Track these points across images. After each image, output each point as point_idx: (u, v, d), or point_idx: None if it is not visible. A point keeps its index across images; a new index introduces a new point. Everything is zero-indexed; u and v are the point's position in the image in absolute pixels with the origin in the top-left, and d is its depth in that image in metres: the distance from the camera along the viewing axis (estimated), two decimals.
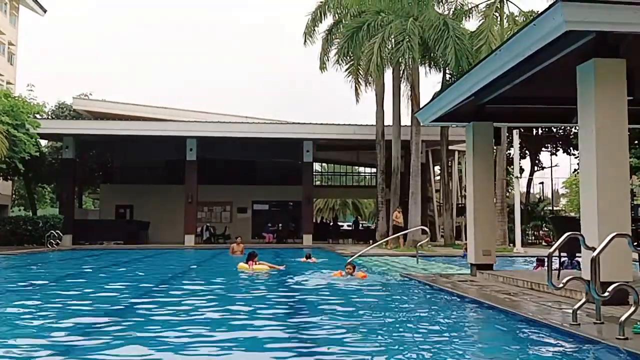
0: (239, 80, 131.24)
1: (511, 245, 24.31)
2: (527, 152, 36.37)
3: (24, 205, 38.91)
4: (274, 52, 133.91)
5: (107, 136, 29.28)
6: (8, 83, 39.75)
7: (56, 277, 13.49)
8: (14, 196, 39.76)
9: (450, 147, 31.54)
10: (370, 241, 27.38)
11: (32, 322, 6.75)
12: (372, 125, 28.01)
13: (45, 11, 44.46)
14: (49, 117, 34.49)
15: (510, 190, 30.75)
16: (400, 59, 23.22)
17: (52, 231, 25.88)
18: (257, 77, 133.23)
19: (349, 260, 13.18)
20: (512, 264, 17.31)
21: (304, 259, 17.43)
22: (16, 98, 26.50)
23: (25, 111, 24.99)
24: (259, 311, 7.51)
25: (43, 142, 30.55)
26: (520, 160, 32.09)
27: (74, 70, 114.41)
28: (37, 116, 27.13)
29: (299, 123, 30.75)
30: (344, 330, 6.12)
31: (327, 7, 27.30)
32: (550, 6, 6.55)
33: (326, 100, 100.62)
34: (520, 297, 7.89)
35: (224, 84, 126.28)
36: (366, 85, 28.37)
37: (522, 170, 35.10)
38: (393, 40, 23.44)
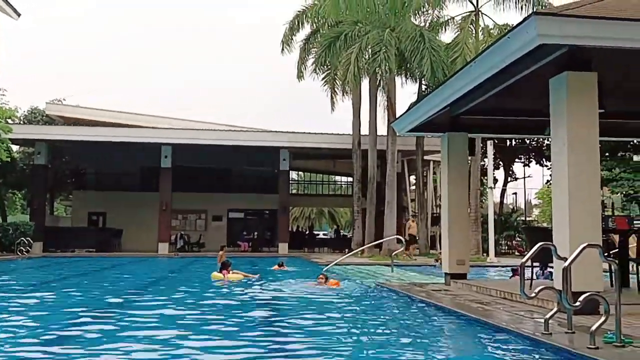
0: (237, 80, 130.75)
1: (485, 254, 24.53)
2: (500, 162, 36.86)
3: None
4: (270, 52, 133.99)
5: (80, 142, 28.81)
6: None
7: (24, 286, 13.21)
8: None
9: (425, 157, 31.78)
10: (346, 250, 27.40)
11: None
12: (348, 134, 28.11)
13: (19, 15, 43.71)
14: (21, 122, 33.89)
15: (484, 201, 31.06)
16: (377, 69, 23.39)
17: (22, 238, 25.31)
18: (253, 77, 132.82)
19: (323, 270, 13.19)
20: (485, 274, 17.46)
21: (276, 267, 17.41)
22: None
23: None
24: (230, 321, 7.44)
25: (14, 148, 29.94)
26: (494, 170, 32.53)
27: (49, 75, 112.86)
28: (9, 121, 26.60)
29: (275, 131, 30.69)
30: (316, 339, 6.09)
31: (304, 16, 27.43)
32: (524, 20, 6.66)
33: (305, 108, 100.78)
34: (493, 307, 7.95)
35: (222, 84, 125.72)
36: (343, 94, 28.49)
37: (495, 180, 35.55)
38: (370, 51, 23.61)
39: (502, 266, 19.98)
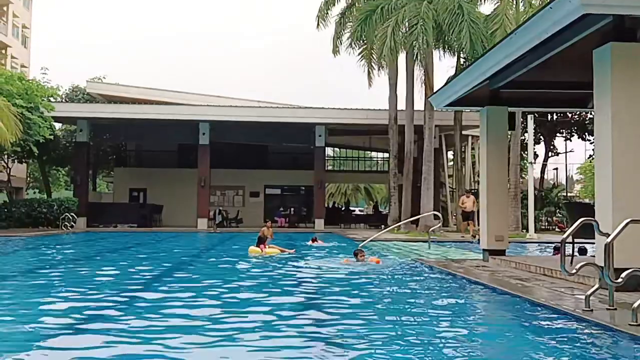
0: (254, 65, 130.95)
1: (524, 231, 24.19)
2: (541, 137, 36.02)
3: (39, 188, 39.28)
4: (289, 36, 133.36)
5: (121, 119, 29.40)
6: (22, 66, 39.95)
7: (70, 259, 13.66)
8: (28, 179, 40.15)
9: (463, 132, 31.31)
10: (382, 226, 27.39)
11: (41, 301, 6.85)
12: (384, 109, 27.88)
13: None
14: (63, 100, 34.68)
15: (524, 176, 30.50)
16: (414, 42, 23.00)
17: (67, 214, 26.14)
18: (272, 61, 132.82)
19: (359, 246, 13.19)
20: (525, 250, 17.24)
21: (310, 242, 17.55)
22: (30, 81, 26.65)
23: (40, 94, 25.14)
24: (270, 297, 7.55)
25: (57, 125, 30.73)
26: (534, 145, 31.82)
27: (89, 53, 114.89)
28: (51, 99, 27.28)
29: (311, 107, 30.67)
30: (356, 318, 6.13)
31: None
32: None
33: (339, 85, 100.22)
34: (533, 283, 7.86)
35: (239, 67, 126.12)
36: (379, 70, 28.19)
37: (536, 155, 34.79)
38: (407, 24, 23.22)
39: (542, 242, 19.71)
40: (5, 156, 27.99)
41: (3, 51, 36.19)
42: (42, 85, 27.48)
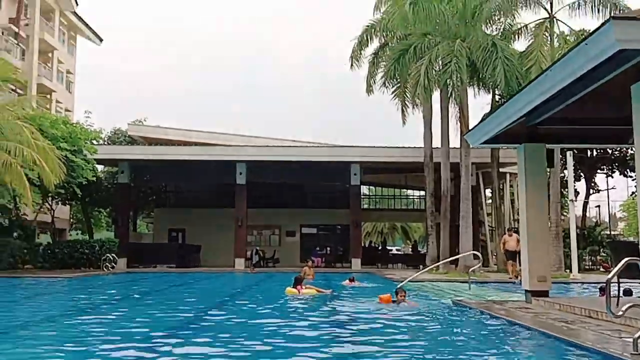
0: (289, 104, 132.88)
1: (567, 271, 23.48)
2: (581, 174, 35.26)
3: (81, 228, 40.18)
4: (321, 77, 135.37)
5: (160, 161, 30.06)
6: (66, 110, 41.40)
7: (109, 300, 13.83)
8: (71, 220, 41.14)
9: (501, 169, 30.91)
10: (420, 266, 26.98)
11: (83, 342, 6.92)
12: (420, 147, 27.80)
13: (101, 40, 46.36)
14: (105, 143, 35.72)
15: (565, 214, 29.79)
16: (447, 80, 23.05)
17: (108, 254, 26.55)
18: (307, 101, 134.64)
19: (397, 287, 12.98)
20: (569, 291, 16.70)
21: (347, 282, 17.38)
22: (74, 125, 27.58)
23: (83, 137, 25.96)
24: (304, 338, 7.47)
25: (99, 167, 31.58)
26: (574, 182, 31.13)
27: (130, 95, 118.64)
28: (94, 142, 28.12)
29: (346, 146, 30.83)
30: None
31: (373, 30, 27.47)
32: (602, 25, 6.39)
33: (374, 123, 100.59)
34: (578, 325, 7.59)
35: (275, 108, 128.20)
36: (413, 107, 28.23)
37: (577, 193, 34.00)
38: (440, 62, 23.34)
39: (586, 283, 19.08)
40: (50, 198, 28.81)
41: (48, 96, 37.66)
42: (85, 129, 28.42)
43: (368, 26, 27.55)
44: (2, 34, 34.12)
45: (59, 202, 31.69)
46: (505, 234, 22.67)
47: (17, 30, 35.01)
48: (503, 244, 21.23)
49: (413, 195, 46.63)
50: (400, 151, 29.51)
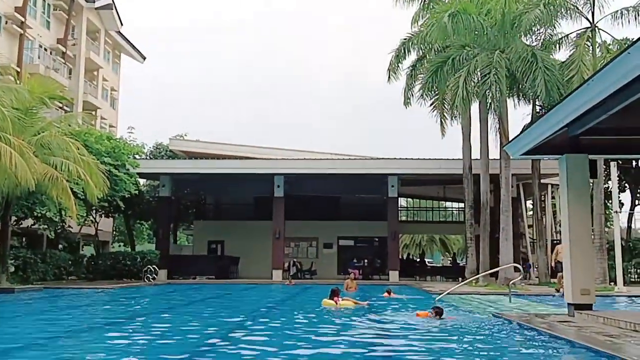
0: (327, 116, 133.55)
1: (612, 284, 22.83)
2: (626, 185, 34.32)
3: (124, 241, 41.08)
4: (356, 90, 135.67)
5: (200, 175, 30.60)
6: (110, 126, 42.54)
7: (154, 311, 14.09)
8: (114, 232, 42.11)
9: (542, 181, 30.35)
10: (460, 279, 26.63)
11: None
12: (458, 159, 27.56)
13: (144, 58, 47.58)
14: (147, 157, 36.55)
15: (609, 226, 29.02)
16: (486, 92, 22.88)
17: (149, 266, 27.03)
18: (341, 114, 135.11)
19: (436, 299, 12.86)
20: (613, 304, 16.25)
21: (385, 294, 17.33)
22: (118, 140, 28.33)
23: (126, 152, 26.64)
24: (340, 351, 7.48)
25: (141, 181, 32.29)
26: (619, 194, 30.33)
27: (173, 112, 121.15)
28: (137, 157, 28.80)
29: (383, 158, 30.79)
30: None
31: (410, 43, 27.44)
32: None
33: (410, 136, 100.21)
34: (623, 340, 7.40)
35: (309, 121, 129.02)
36: (452, 119, 28.05)
37: (621, 204, 33.08)
38: (479, 74, 23.19)
39: (632, 296, 18.54)
40: (94, 211, 29.57)
41: (93, 112, 38.80)
42: (128, 144, 29.15)
43: (405, 39, 27.56)
44: (51, 53, 35.38)
45: (103, 215, 32.49)
46: (558, 243, 22.14)
47: (64, 50, 36.25)
48: (556, 254, 20.75)
49: (452, 207, 46.17)
50: (438, 163, 29.29)
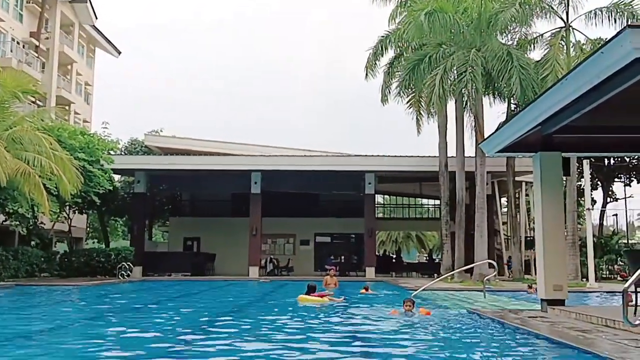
0: (302, 115, 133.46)
1: (584, 280, 23.26)
2: (598, 182, 34.98)
3: (98, 237, 40.53)
4: (335, 87, 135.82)
5: (176, 171, 30.31)
6: (84, 121, 41.93)
7: (128, 308, 13.94)
8: (88, 229, 41.54)
9: (517, 178, 30.75)
10: (435, 275, 26.87)
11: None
12: (434, 156, 27.76)
13: (119, 53, 46.96)
14: (122, 153, 36.09)
15: (581, 223, 29.52)
16: (462, 89, 23.07)
17: (124, 263, 26.75)
18: (320, 110, 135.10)
19: (412, 295, 12.95)
20: (585, 300, 16.54)
21: (362, 291, 17.40)
22: (92, 135, 27.91)
23: (100, 148, 26.27)
24: (316, 346, 7.48)
25: (116, 177, 31.88)
26: (591, 191, 30.90)
27: (147, 107, 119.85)
28: (111, 152, 28.42)
29: (360, 155, 30.86)
30: None
31: (388, 41, 27.55)
32: (618, 33, 6.40)
33: (387, 133, 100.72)
34: (595, 335, 7.53)
35: (288, 117, 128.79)
36: (428, 117, 28.26)
37: (594, 201, 33.72)
38: (455, 72, 23.35)
39: (603, 292, 18.90)
40: (67, 207, 29.14)
41: (67, 107, 38.20)
42: (102, 139, 28.73)
43: (383, 37, 27.65)
44: (23, 47, 34.69)
45: (76, 211, 32.02)
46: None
47: (37, 43, 35.60)
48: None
49: (428, 204, 46.49)
50: (415, 160, 29.45)
